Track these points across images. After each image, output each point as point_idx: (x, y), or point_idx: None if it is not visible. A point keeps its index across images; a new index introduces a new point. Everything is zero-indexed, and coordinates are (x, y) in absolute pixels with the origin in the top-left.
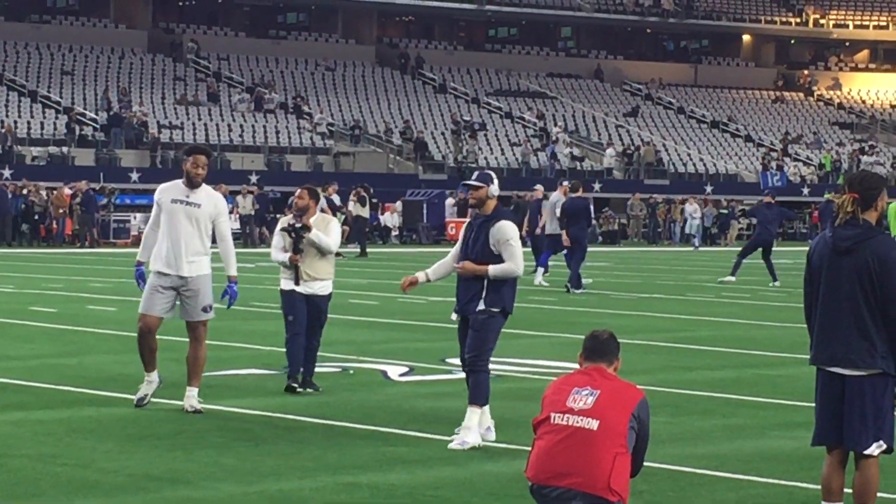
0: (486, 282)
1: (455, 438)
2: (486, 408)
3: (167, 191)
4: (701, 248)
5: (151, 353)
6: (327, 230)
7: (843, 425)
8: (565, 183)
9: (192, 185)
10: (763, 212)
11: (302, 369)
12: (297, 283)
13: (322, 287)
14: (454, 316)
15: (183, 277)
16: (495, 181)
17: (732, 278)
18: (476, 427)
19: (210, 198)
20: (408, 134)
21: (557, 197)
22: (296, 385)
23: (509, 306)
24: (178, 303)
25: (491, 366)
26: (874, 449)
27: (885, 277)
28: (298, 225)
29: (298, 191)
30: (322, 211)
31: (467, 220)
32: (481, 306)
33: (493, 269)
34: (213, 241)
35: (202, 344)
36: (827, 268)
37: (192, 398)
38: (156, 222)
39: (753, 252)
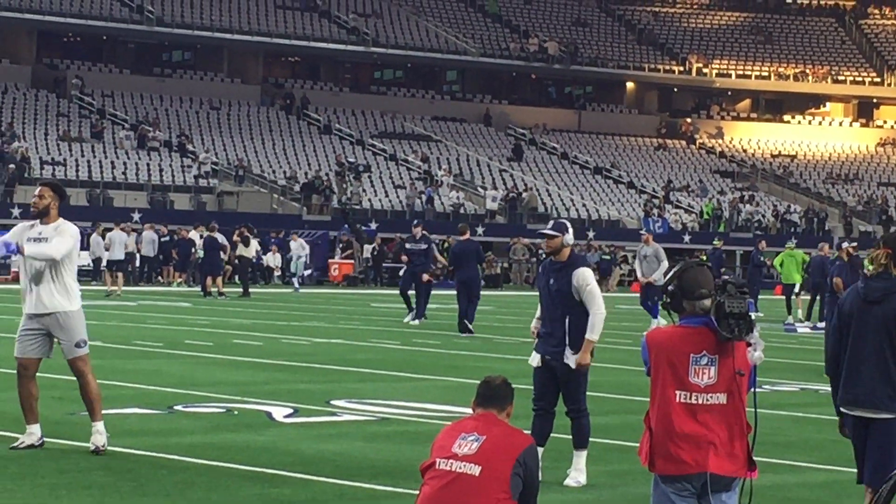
0: (567, 327)
1: (570, 479)
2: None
3: (19, 232)
4: (301, 291)
5: (31, 400)
6: None
7: (866, 464)
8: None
9: (36, 216)
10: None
11: None
12: None
13: None
14: (536, 360)
15: (49, 315)
16: (570, 230)
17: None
18: (584, 467)
19: (57, 230)
20: (317, 184)
21: (651, 247)
22: None
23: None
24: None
25: (374, 408)
26: None
27: None
28: None
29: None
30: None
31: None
32: (567, 357)
33: (591, 336)
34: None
35: (88, 378)
36: (857, 317)
37: (98, 434)
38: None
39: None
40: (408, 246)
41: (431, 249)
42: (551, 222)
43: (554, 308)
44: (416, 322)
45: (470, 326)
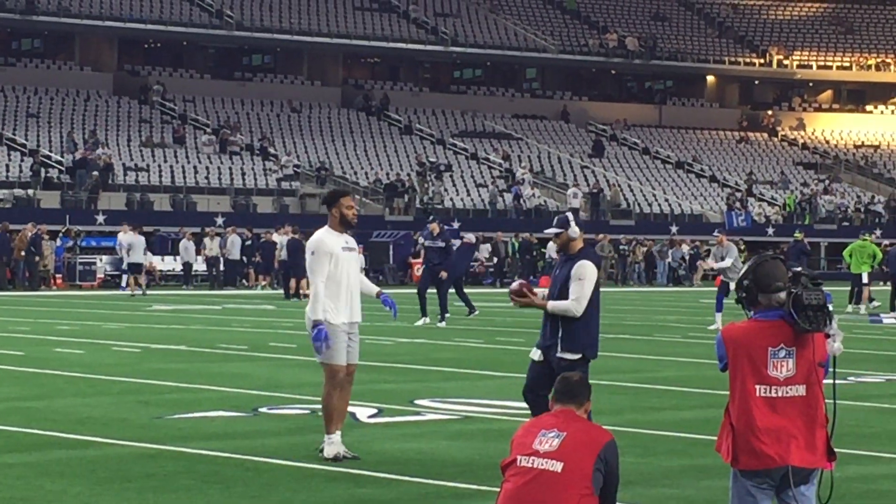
0: (560, 323)
1: None
2: None
3: (330, 240)
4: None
5: (344, 405)
6: None
7: None
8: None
9: (349, 227)
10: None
11: None
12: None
13: None
14: (537, 354)
15: (354, 323)
16: (572, 223)
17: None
18: None
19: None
20: (401, 188)
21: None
22: None
23: (588, 352)
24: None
25: (458, 406)
26: None
27: None
28: None
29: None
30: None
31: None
32: (559, 352)
33: (550, 305)
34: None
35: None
36: None
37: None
38: (325, 275)
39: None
40: (426, 244)
41: (450, 247)
42: (556, 218)
43: (552, 298)
44: (443, 324)
45: None
